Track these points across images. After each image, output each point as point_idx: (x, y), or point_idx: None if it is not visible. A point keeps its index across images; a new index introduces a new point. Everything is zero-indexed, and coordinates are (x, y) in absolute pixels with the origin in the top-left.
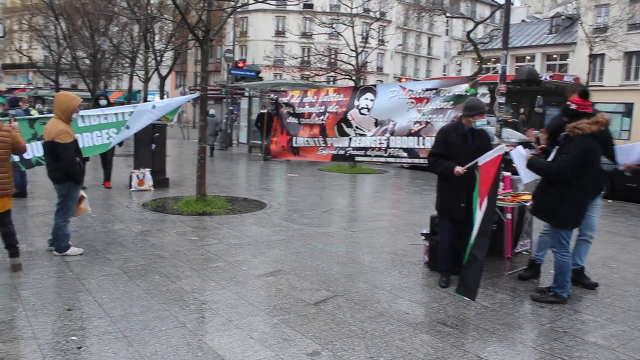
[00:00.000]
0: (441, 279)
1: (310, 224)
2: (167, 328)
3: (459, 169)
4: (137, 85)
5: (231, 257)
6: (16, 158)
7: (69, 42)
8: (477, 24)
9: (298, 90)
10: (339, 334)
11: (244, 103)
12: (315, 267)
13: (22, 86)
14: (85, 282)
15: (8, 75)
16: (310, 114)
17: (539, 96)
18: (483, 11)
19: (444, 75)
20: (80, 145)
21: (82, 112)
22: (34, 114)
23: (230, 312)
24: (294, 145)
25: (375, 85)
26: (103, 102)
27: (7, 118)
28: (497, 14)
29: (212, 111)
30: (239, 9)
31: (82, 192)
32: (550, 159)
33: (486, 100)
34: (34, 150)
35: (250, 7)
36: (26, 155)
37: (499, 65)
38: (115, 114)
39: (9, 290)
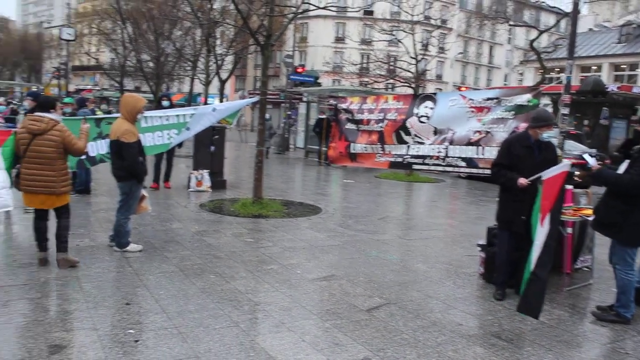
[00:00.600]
0: (497, 291)
1: (365, 230)
2: (220, 327)
3: (522, 181)
4: (198, 88)
5: (285, 260)
6: (82, 155)
7: (135, 46)
8: (541, 32)
9: (357, 97)
10: (391, 341)
11: (302, 108)
12: (369, 273)
13: (89, 87)
14: (143, 278)
15: (77, 77)
16: (369, 121)
17: (604, 108)
18: (547, 19)
19: (505, 84)
20: (143, 145)
21: (145, 113)
22: (99, 114)
23: (283, 314)
24: (352, 151)
25: (435, 94)
26: (165, 102)
27: (79, 118)
28: (563, 23)
29: (267, 115)
30: (299, 15)
31: (143, 192)
32: (620, 171)
33: (549, 110)
34: (99, 148)
35: (311, 14)
36: (91, 153)
37: (563, 75)
38: (177, 115)
39: (72, 282)
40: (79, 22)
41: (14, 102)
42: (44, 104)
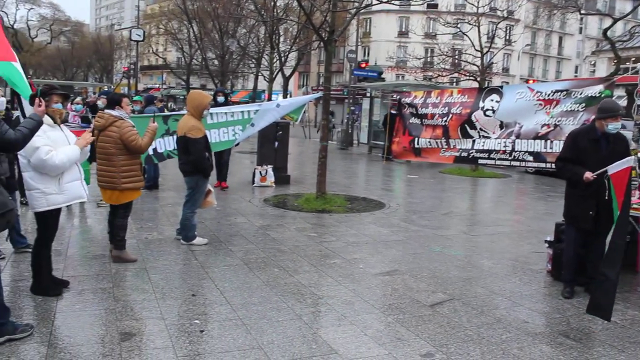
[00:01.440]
0: (565, 289)
1: (428, 225)
2: (283, 319)
3: (588, 175)
4: (261, 85)
5: (348, 255)
6: (150, 151)
7: (200, 44)
8: (615, 20)
9: (421, 91)
10: (454, 337)
11: (365, 103)
12: (433, 269)
13: (156, 86)
14: (208, 271)
15: (145, 76)
16: (433, 115)
17: None
18: (623, 6)
19: (576, 76)
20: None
21: (210, 110)
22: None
23: (345, 308)
24: (416, 146)
25: (501, 87)
26: (221, 98)
27: (148, 115)
28: None
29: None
30: (362, 10)
31: (209, 186)
32: None
33: (623, 102)
34: (166, 144)
35: (374, 8)
36: (159, 149)
37: (639, 65)
38: (242, 111)
39: (141, 273)
40: (147, 24)
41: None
42: (110, 101)
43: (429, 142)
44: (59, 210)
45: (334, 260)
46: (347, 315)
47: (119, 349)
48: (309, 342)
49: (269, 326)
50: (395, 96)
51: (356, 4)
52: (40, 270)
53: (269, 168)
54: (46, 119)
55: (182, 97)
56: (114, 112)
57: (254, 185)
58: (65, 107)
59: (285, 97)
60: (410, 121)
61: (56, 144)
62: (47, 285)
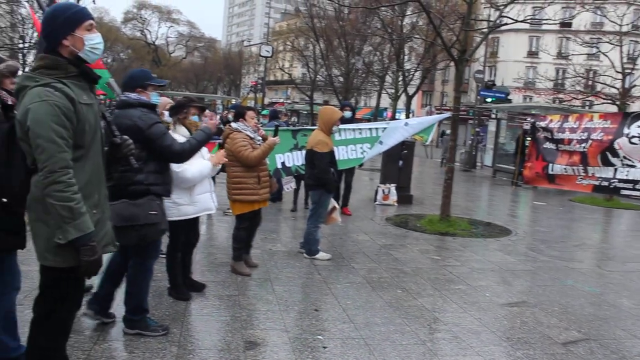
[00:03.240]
0: None
1: (559, 257)
2: (407, 343)
3: None
4: (383, 102)
5: (474, 282)
6: (279, 165)
7: (326, 61)
8: None
9: (557, 115)
10: None
11: (491, 125)
12: (565, 304)
13: (281, 100)
14: (331, 287)
15: (270, 91)
16: (570, 140)
17: None
18: None
19: None
20: (336, 158)
21: (340, 126)
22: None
23: (471, 337)
24: (550, 172)
25: None
26: (347, 113)
27: (271, 129)
28: None
29: (447, 131)
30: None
31: (334, 203)
32: None
33: None
34: (294, 159)
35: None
36: (287, 163)
37: None
38: (370, 129)
39: (265, 284)
40: (275, 40)
41: (217, 113)
42: (236, 114)
43: (565, 168)
44: (195, 220)
45: (458, 285)
46: (472, 346)
47: (243, 357)
48: None
49: (392, 349)
50: (528, 119)
51: (490, 23)
52: (173, 274)
53: (392, 187)
54: (182, 130)
55: (306, 112)
56: (234, 125)
57: (376, 203)
58: (201, 120)
59: (407, 116)
60: (545, 146)
61: None
62: (179, 289)
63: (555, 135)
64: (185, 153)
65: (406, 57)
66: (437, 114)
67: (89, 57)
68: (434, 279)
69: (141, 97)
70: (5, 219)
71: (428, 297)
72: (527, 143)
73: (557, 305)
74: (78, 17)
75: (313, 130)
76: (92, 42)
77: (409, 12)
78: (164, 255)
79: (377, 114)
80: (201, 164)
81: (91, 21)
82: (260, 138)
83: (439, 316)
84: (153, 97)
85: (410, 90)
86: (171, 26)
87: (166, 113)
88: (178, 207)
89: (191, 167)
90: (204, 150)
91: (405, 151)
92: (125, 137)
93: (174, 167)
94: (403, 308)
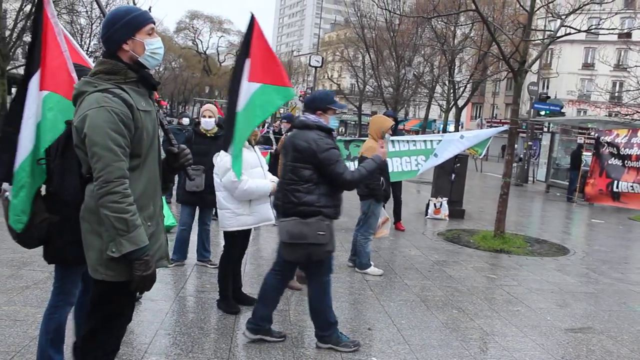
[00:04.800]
0: None
1: (623, 279)
2: None
3: None
4: (432, 114)
5: (533, 303)
6: None
7: (375, 72)
8: None
9: (625, 129)
10: None
11: (545, 139)
12: (635, 332)
13: None
14: (384, 304)
15: None
16: (638, 157)
17: None
18: None
19: None
20: (390, 170)
21: (393, 138)
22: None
23: None
24: (615, 189)
25: None
26: None
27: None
28: None
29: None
30: (552, 40)
31: (385, 214)
32: None
33: None
34: None
35: (559, 39)
36: None
37: None
38: (424, 141)
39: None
40: (324, 50)
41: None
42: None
43: (632, 186)
44: (248, 231)
45: (517, 307)
46: None
47: None
48: None
49: None
50: (592, 133)
51: (549, 32)
52: (224, 286)
53: (444, 201)
54: None
55: (353, 122)
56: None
57: (427, 217)
58: (259, 128)
59: (456, 128)
60: (610, 162)
61: (249, 165)
62: (229, 301)
63: (622, 150)
64: (354, 182)
65: (457, 69)
66: (488, 127)
67: (149, 63)
68: (491, 299)
69: (320, 120)
70: (67, 230)
71: (485, 318)
72: (584, 158)
73: (627, 333)
74: (139, 21)
75: (364, 140)
76: (153, 46)
77: (461, 22)
78: (214, 266)
79: (425, 126)
80: (262, 183)
81: (152, 25)
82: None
83: (499, 340)
84: (332, 121)
85: (460, 102)
86: (222, 36)
87: (210, 120)
88: (237, 217)
89: (250, 181)
90: (263, 159)
91: (459, 164)
92: (183, 146)
93: (232, 177)
94: (460, 330)
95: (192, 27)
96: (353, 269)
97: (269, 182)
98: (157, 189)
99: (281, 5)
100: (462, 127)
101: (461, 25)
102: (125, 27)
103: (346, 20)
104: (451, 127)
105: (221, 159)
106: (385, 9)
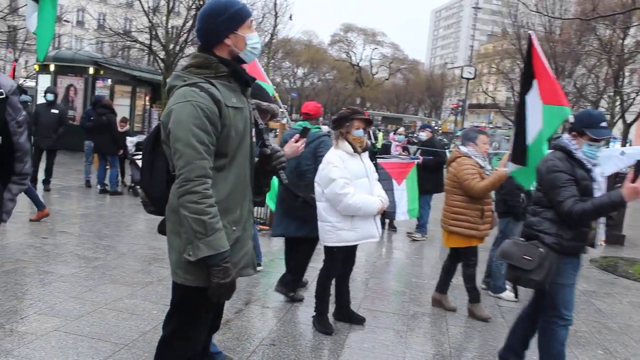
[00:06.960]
0: None
1: None
2: None
3: None
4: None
5: None
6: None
7: None
8: None
9: None
10: None
11: None
12: None
13: (482, 124)
14: None
15: (472, 114)
16: None
17: None
18: None
19: None
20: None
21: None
22: None
23: None
24: None
25: None
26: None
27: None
28: None
29: None
30: None
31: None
32: None
33: None
34: None
35: None
36: None
37: None
38: None
39: (440, 321)
40: (479, 62)
41: (411, 134)
42: (463, 136)
43: None
44: (354, 246)
45: None
46: None
47: None
48: None
49: None
50: None
51: None
52: (320, 303)
53: (601, 224)
54: (345, 146)
55: (507, 137)
56: (463, 149)
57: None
58: (366, 134)
59: (623, 145)
60: None
61: (354, 175)
62: (323, 320)
63: None
64: (576, 215)
65: (626, 80)
66: None
67: (248, 58)
68: None
69: (571, 143)
70: None
71: None
72: None
73: None
74: (242, 15)
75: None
76: (252, 41)
77: (633, 23)
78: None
79: None
80: (370, 200)
81: (252, 19)
82: (490, 167)
83: None
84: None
85: (629, 117)
86: (375, 48)
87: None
88: (337, 231)
89: (357, 196)
90: (371, 168)
91: (620, 185)
92: (277, 147)
93: (336, 189)
94: None
95: (346, 39)
96: (486, 292)
97: (377, 200)
98: (247, 192)
99: (436, 18)
100: (629, 145)
101: (633, 25)
102: (228, 21)
103: (503, 31)
104: (617, 145)
105: (323, 167)
106: (546, 15)
